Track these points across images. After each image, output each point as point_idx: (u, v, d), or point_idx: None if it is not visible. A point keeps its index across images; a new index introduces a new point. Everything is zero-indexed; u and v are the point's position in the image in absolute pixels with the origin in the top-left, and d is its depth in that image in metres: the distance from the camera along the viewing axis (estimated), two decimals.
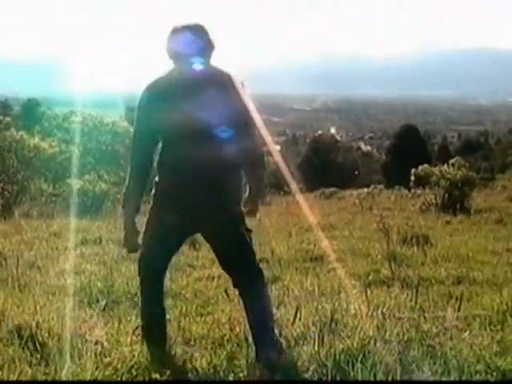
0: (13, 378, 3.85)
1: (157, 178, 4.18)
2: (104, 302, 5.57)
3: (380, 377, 3.82)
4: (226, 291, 5.59)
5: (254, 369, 3.78)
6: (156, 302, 4.32)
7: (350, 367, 3.88)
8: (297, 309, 4.68)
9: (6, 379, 3.85)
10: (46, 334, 4.36)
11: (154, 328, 4.29)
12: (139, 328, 4.49)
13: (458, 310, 4.91)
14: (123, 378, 3.89)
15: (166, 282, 6.23)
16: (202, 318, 5.30)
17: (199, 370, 4.02)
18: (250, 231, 4.25)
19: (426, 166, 20.87)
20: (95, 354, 4.03)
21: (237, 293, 4.43)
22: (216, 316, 5.33)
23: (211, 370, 4.02)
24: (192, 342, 4.57)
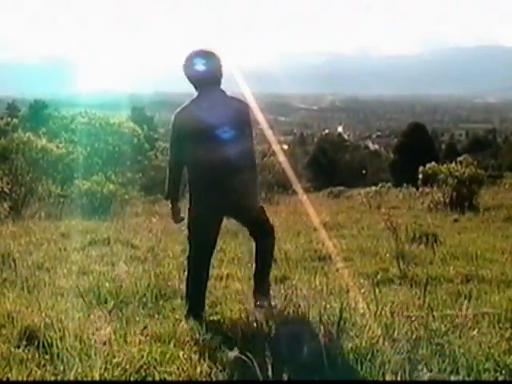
0: (22, 378, 3.87)
1: (188, 180, 5.34)
2: (112, 303, 5.58)
3: (389, 376, 3.82)
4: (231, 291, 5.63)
5: (262, 369, 3.77)
6: (203, 284, 5.43)
7: (359, 366, 3.88)
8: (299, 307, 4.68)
9: (15, 379, 3.86)
10: (55, 335, 4.36)
11: (196, 300, 5.33)
12: (147, 328, 4.51)
13: (467, 309, 4.90)
14: (132, 379, 3.89)
15: (175, 282, 6.27)
16: (211, 318, 5.30)
17: (208, 370, 4.02)
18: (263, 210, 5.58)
19: (433, 164, 20.80)
20: (104, 355, 4.04)
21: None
22: (224, 316, 5.34)
23: (220, 370, 4.01)
24: (200, 342, 4.57)
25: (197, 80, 5.32)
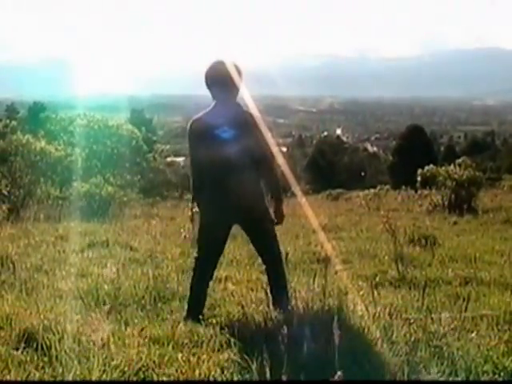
0: (20, 380, 3.87)
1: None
2: (110, 305, 5.57)
3: (387, 378, 3.82)
4: (230, 293, 5.62)
5: (260, 371, 3.77)
6: (205, 286, 5.50)
7: (358, 368, 3.87)
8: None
9: (13, 381, 3.86)
10: (53, 337, 4.36)
11: (197, 301, 5.40)
12: (145, 330, 4.51)
13: (465, 311, 4.90)
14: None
15: (173, 285, 6.28)
16: (209, 320, 5.30)
17: (206, 371, 4.02)
18: (273, 221, 5.63)
19: (432, 166, 20.79)
20: (102, 357, 4.03)
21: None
22: (223, 318, 5.34)
23: (218, 372, 4.01)
24: (199, 344, 4.57)
25: (209, 77, 5.44)
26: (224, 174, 5.28)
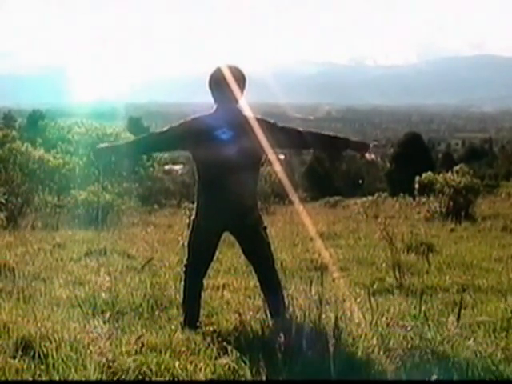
0: None
1: (196, 196, 5.43)
2: (108, 313, 5.57)
3: None
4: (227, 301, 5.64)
5: (257, 378, 3.77)
6: (197, 293, 5.46)
7: (355, 376, 3.88)
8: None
9: None
10: (51, 346, 4.36)
11: (192, 312, 5.36)
12: (142, 338, 4.52)
13: (462, 318, 4.91)
14: None
15: (171, 292, 6.28)
16: (207, 328, 5.30)
17: (203, 379, 4.02)
18: (265, 228, 5.47)
19: (430, 173, 20.78)
20: (99, 365, 4.03)
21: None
22: (221, 326, 5.34)
23: (215, 380, 4.01)
24: (197, 352, 4.57)
25: (213, 80, 5.37)
26: (221, 176, 5.21)
